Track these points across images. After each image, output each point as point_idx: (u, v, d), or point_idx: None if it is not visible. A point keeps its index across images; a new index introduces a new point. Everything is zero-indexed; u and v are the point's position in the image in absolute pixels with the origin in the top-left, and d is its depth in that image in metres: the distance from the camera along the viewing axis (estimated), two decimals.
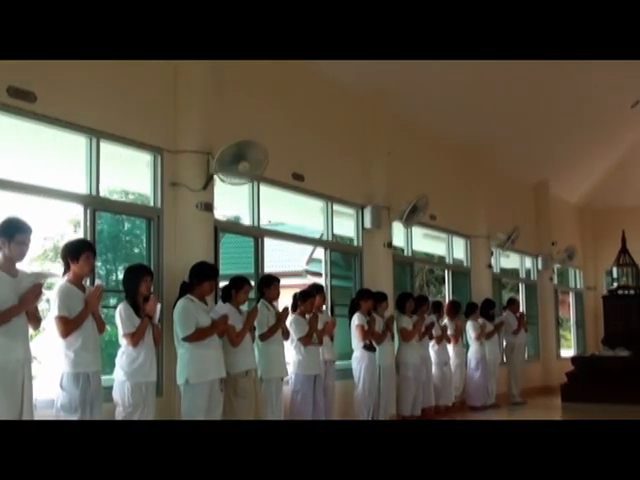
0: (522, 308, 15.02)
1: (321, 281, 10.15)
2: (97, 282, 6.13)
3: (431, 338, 11.18)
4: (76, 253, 5.93)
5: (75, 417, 5.66)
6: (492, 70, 9.28)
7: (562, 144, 14.72)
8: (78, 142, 6.91)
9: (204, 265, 7.14)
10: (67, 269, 5.96)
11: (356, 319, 9.52)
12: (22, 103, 6.22)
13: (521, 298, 16.00)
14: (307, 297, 8.55)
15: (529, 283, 16.44)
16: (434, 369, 11.23)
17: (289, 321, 8.20)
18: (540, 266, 16.24)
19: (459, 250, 13.84)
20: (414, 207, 10.90)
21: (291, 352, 8.33)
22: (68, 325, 5.73)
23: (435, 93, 11.02)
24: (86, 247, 6.04)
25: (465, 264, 13.92)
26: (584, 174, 17.51)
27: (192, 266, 7.06)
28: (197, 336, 6.79)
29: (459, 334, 12.12)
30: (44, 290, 5.46)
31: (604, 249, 18.33)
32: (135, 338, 6.31)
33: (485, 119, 12.35)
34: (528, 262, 16.48)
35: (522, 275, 16.42)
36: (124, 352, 6.35)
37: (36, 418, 5.35)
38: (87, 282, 6.25)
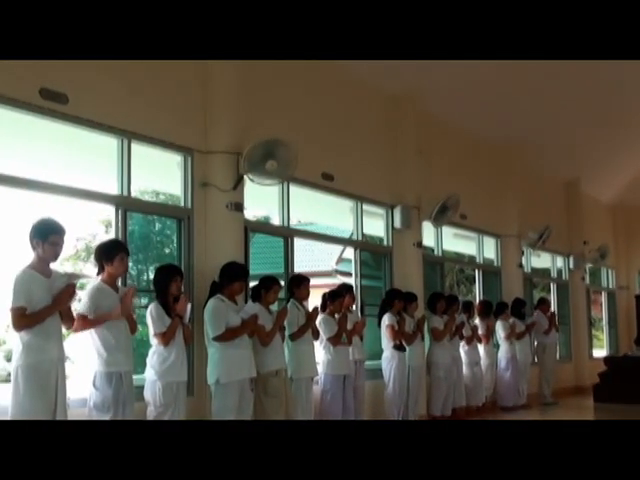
0: (553, 308, 14.89)
1: (351, 281, 10.14)
2: (129, 283, 6.17)
3: (461, 338, 11.13)
4: (110, 254, 5.99)
5: (108, 416, 5.72)
6: (522, 68, 9.21)
7: (594, 142, 14.58)
8: (109, 143, 6.96)
9: (234, 265, 7.17)
10: (101, 270, 6.01)
11: (386, 319, 9.51)
12: (54, 105, 6.28)
13: (552, 298, 15.87)
14: (336, 297, 8.54)
15: (560, 283, 16.29)
16: (465, 369, 11.18)
17: (318, 321, 8.20)
18: (572, 265, 16.09)
19: (490, 250, 13.75)
20: (443, 206, 10.85)
21: (320, 352, 8.33)
22: (85, 324, 5.79)
23: (465, 92, 10.96)
24: (120, 248, 6.10)
25: (496, 264, 13.83)
26: (616, 172, 17.30)
27: (222, 266, 7.08)
28: (227, 336, 6.81)
29: (490, 334, 12.05)
30: (77, 290, 5.52)
31: (637, 248, 18.13)
32: (166, 338, 6.34)
33: (516, 118, 12.26)
34: (559, 261, 16.33)
35: (553, 275, 16.28)
36: (155, 352, 6.39)
37: (69, 417, 5.40)
38: (119, 282, 6.29)
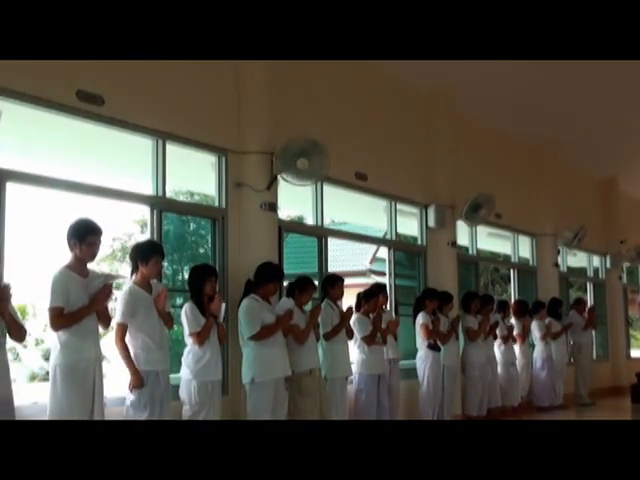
0: (590, 307, 14.75)
1: (385, 280, 10.12)
2: (160, 286, 6.20)
3: (495, 338, 11.05)
4: (146, 255, 6.04)
5: (145, 415, 5.76)
6: (557, 66, 9.11)
7: (631, 140, 14.38)
8: (144, 144, 7.01)
9: (270, 266, 7.18)
10: (135, 270, 6.06)
11: (420, 318, 9.48)
12: (90, 106, 6.34)
13: (589, 297, 15.73)
14: (371, 297, 8.52)
15: (597, 282, 16.13)
16: (500, 369, 11.10)
17: (353, 320, 8.19)
18: (609, 264, 15.93)
19: (525, 249, 13.65)
20: (476, 204, 10.79)
21: (355, 352, 8.32)
22: (122, 331, 5.87)
23: (499, 91, 10.86)
24: (156, 251, 6.14)
25: (531, 263, 13.72)
26: None
27: (258, 266, 7.10)
28: (263, 334, 6.83)
29: (526, 334, 11.96)
30: (113, 290, 5.57)
31: None
32: (201, 337, 6.38)
33: (551, 116, 12.13)
34: (596, 260, 16.16)
35: (590, 274, 16.12)
36: (190, 351, 6.42)
37: (106, 416, 5.45)
38: (155, 280, 6.31)
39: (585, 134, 13.36)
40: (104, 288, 5.40)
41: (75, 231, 5.39)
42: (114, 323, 5.84)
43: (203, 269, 6.74)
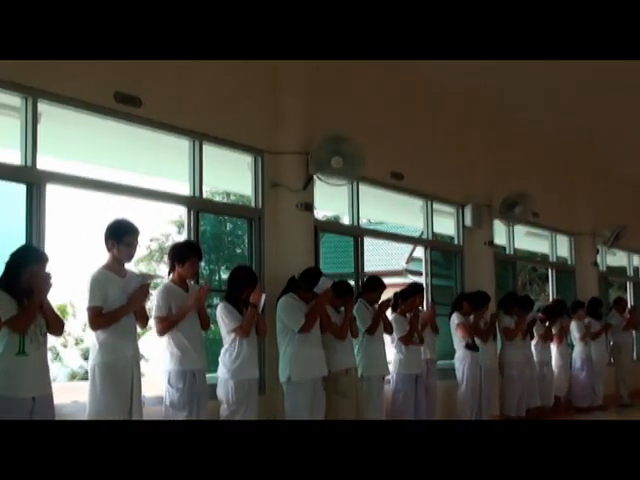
0: (630, 307, 14.55)
1: (421, 280, 10.08)
2: (201, 283, 6.24)
3: (532, 337, 10.95)
4: (183, 256, 6.07)
5: (183, 414, 5.80)
6: (594, 66, 9.00)
7: None
8: (181, 144, 7.05)
9: (317, 272, 7.16)
10: (172, 269, 6.10)
11: (455, 318, 9.44)
12: (128, 108, 6.38)
13: (629, 297, 15.51)
14: (408, 296, 8.50)
15: (637, 281, 15.91)
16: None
17: (390, 319, 8.18)
18: None
19: (563, 248, 13.51)
20: (511, 202, 10.71)
21: (392, 351, 8.31)
22: (166, 324, 5.90)
23: (536, 90, 10.77)
24: (194, 252, 6.17)
25: (569, 262, 13.58)
26: None
27: (307, 269, 7.13)
28: (310, 322, 6.85)
29: (564, 334, 11.82)
30: (151, 290, 5.61)
31: None
32: (244, 329, 6.34)
33: (589, 114, 11.98)
34: (636, 260, 15.96)
35: (630, 273, 15.91)
36: (227, 350, 6.43)
37: (145, 415, 5.50)
38: (191, 281, 6.35)
39: (623, 132, 13.19)
40: (142, 288, 5.44)
41: (112, 232, 5.44)
42: (151, 322, 5.89)
43: (246, 274, 6.65)
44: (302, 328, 6.81)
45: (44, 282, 4.77)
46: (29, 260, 4.82)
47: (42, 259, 4.89)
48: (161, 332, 5.94)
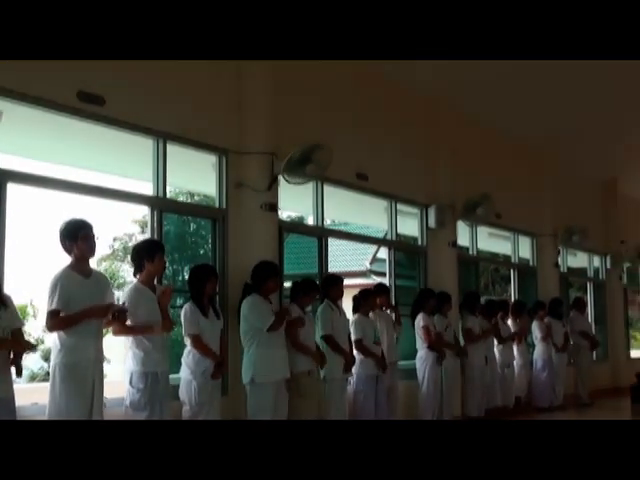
0: (590, 307, 14.80)
1: (385, 281, 10.12)
2: (165, 284, 6.21)
3: (500, 340, 11.05)
4: (152, 253, 6.05)
5: (144, 415, 5.75)
6: (557, 67, 9.12)
7: (631, 140, 14.38)
8: (145, 144, 7.01)
9: (265, 264, 7.15)
10: (139, 269, 6.06)
11: (421, 320, 9.49)
12: (91, 107, 6.33)
13: (589, 297, 15.73)
14: (368, 296, 8.55)
15: (597, 282, 16.14)
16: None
17: (351, 321, 8.22)
18: (609, 265, 15.94)
19: (525, 249, 13.65)
20: (473, 203, 10.81)
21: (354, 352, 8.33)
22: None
23: (499, 91, 10.87)
24: (160, 247, 6.19)
25: (531, 263, 13.73)
26: None
27: (253, 267, 7.11)
28: (279, 320, 6.90)
29: (523, 334, 11.94)
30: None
31: None
32: (199, 342, 6.40)
33: (551, 117, 12.13)
34: (596, 261, 16.17)
35: (590, 274, 16.13)
36: (190, 351, 6.42)
37: (106, 416, 5.46)
38: (155, 281, 6.32)
39: (585, 134, 13.36)
40: (107, 306, 5.44)
41: (66, 232, 5.39)
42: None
43: (203, 269, 6.76)
44: (271, 326, 6.83)
45: None
46: None
47: None
48: (117, 334, 5.85)
